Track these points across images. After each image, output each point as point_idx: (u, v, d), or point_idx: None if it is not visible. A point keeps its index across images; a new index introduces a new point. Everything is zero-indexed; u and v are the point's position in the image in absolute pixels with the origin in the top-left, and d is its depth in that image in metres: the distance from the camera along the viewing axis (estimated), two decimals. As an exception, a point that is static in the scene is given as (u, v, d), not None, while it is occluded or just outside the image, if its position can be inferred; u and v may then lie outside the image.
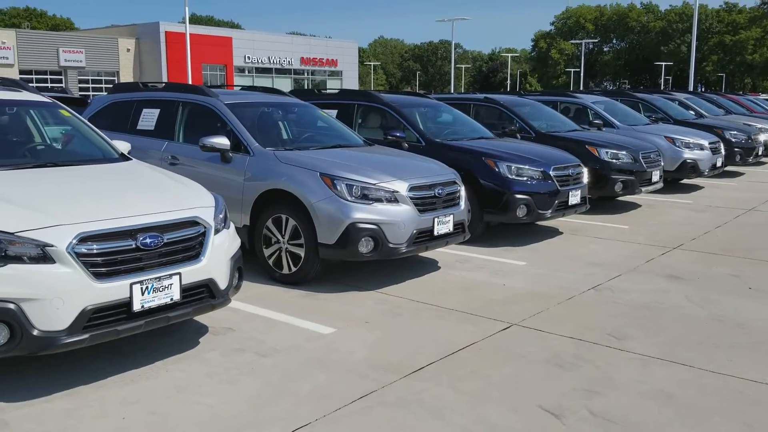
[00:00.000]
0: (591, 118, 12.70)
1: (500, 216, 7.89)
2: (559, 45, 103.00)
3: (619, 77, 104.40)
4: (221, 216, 4.62)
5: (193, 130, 7.08)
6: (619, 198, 11.14)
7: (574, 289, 6.26)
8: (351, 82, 64.95)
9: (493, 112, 11.22)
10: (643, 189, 10.36)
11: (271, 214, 6.25)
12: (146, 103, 7.59)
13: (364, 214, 5.87)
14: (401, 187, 6.08)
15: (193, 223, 4.31)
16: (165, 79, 49.89)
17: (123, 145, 5.69)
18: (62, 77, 50.58)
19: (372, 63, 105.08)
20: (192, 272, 4.21)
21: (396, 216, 5.98)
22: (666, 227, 9.30)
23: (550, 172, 8.06)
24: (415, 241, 6.13)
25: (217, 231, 4.48)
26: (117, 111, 7.84)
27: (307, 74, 63.23)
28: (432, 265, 7.05)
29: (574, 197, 8.29)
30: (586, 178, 8.75)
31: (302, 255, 6.08)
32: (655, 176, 10.54)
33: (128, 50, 53.29)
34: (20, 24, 72.32)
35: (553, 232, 8.86)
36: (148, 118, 7.45)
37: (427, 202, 6.26)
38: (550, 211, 7.99)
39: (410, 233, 6.05)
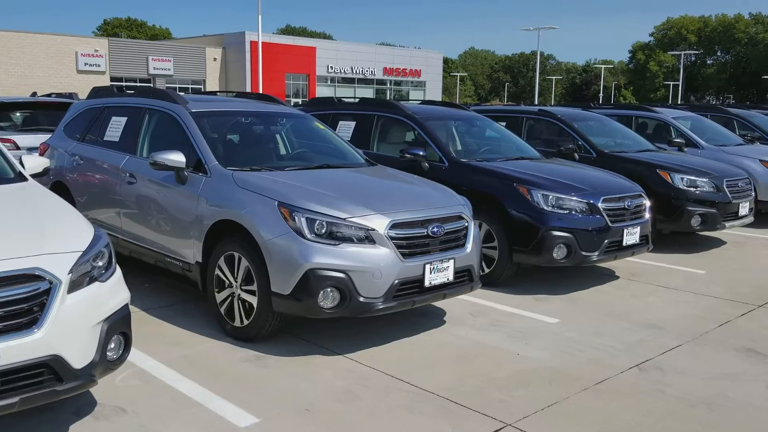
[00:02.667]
0: (672, 137, 10.85)
1: (533, 257, 6.34)
2: (659, 57, 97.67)
3: (723, 92, 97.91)
4: (90, 265, 3.40)
5: (156, 143, 5.96)
6: (700, 233, 9.27)
7: (610, 365, 4.68)
8: (435, 93, 63.63)
9: (550, 128, 9.65)
10: (728, 224, 8.48)
11: (223, 250, 5.00)
12: (115, 111, 6.54)
13: (327, 257, 4.52)
14: (380, 223, 4.69)
15: (30, 277, 3.10)
16: (248, 89, 50.32)
17: (35, 162, 4.60)
18: (151, 85, 51.85)
19: (459, 74, 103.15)
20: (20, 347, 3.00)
21: (370, 261, 4.60)
22: (753, 274, 7.44)
23: (599, 204, 6.45)
24: (396, 294, 4.73)
25: (75, 285, 3.26)
26: (90, 119, 6.84)
27: (390, 84, 62.33)
28: (435, 318, 5.61)
29: (631, 236, 6.63)
30: (648, 213, 7.04)
31: (255, 305, 4.80)
32: (744, 209, 8.63)
33: (215, 59, 54.06)
34: (119, 33, 75.15)
35: (606, 275, 7.19)
36: (115, 127, 6.39)
37: (415, 243, 4.84)
38: (597, 253, 6.38)
39: (390, 284, 4.66)
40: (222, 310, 5.05)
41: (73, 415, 3.73)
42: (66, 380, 3.19)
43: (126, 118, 6.32)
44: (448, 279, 5.02)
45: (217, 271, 5.04)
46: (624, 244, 6.58)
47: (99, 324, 3.35)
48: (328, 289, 4.52)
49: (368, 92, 59.15)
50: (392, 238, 4.70)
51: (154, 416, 3.76)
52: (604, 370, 4.61)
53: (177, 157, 5.28)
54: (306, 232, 4.56)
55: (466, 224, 5.25)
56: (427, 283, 4.87)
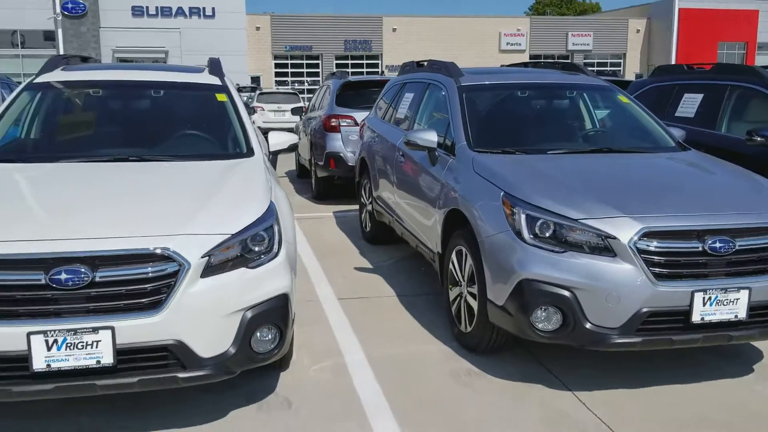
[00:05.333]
0: None
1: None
2: None
3: None
4: (240, 249, 3.18)
5: (427, 119, 5.57)
6: None
7: None
8: None
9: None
10: None
11: (455, 243, 4.38)
12: (407, 86, 6.31)
13: (547, 267, 3.54)
14: (625, 230, 3.48)
15: (160, 257, 3.01)
16: (673, 61, 46.62)
17: (280, 138, 4.65)
18: (568, 61, 51.71)
19: None
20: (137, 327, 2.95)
21: (605, 278, 3.46)
22: None
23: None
24: (642, 327, 3.49)
25: (212, 270, 3.08)
26: (392, 96, 6.77)
27: None
28: (741, 363, 4.08)
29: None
30: None
31: (475, 310, 4.08)
32: None
33: (638, 31, 51.24)
34: (544, 12, 76.54)
35: None
36: (400, 104, 6.18)
37: (680, 261, 3.49)
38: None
39: (632, 312, 3.45)
40: (453, 310, 4.45)
41: (243, 398, 3.61)
42: (190, 368, 3.05)
43: (413, 94, 6.06)
44: (736, 316, 3.53)
45: (450, 266, 4.45)
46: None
47: (238, 312, 3.13)
48: (547, 308, 3.56)
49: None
50: (641, 252, 3.46)
51: (312, 419, 3.42)
52: None
53: (429, 136, 4.81)
54: (525, 232, 3.65)
55: (781, 240, 3.62)
56: (696, 319, 3.49)
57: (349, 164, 8.60)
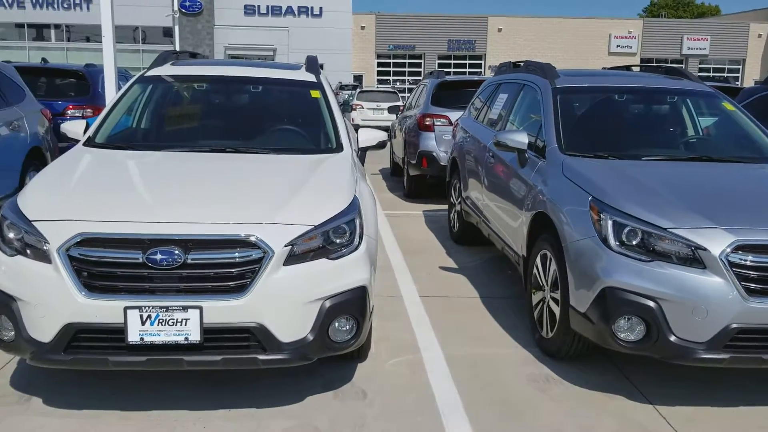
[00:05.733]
0: None
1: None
2: None
3: None
4: (321, 240, 3.29)
5: (519, 120, 5.52)
6: None
7: None
8: None
9: None
10: None
11: (540, 247, 4.33)
12: (504, 87, 6.26)
13: (633, 276, 3.44)
14: (717, 241, 3.33)
15: (247, 243, 3.16)
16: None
17: (370, 135, 4.75)
18: (683, 66, 49.52)
19: None
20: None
21: (692, 291, 3.33)
22: None
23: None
24: (731, 343, 3.33)
25: (295, 259, 3.20)
26: (488, 96, 6.74)
27: None
28: (839, 393, 3.82)
29: None
30: None
31: (557, 316, 4.03)
32: None
33: (759, 36, 48.34)
34: (659, 14, 73.44)
35: None
36: (498, 104, 6.15)
37: (777, 277, 3.31)
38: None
39: (720, 327, 3.30)
40: (535, 314, 4.40)
41: (320, 386, 3.72)
42: (269, 350, 3.18)
43: (507, 94, 6.02)
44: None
45: (535, 270, 4.40)
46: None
47: (317, 301, 3.23)
48: (630, 318, 3.47)
49: None
50: (734, 265, 3.30)
51: (385, 412, 3.49)
52: None
53: (519, 138, 4.78)
54: (611, 238, 3.57)
55: None
56: (791, 338, 3.31)
57: (441, 163, 8.62)
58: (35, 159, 7.06)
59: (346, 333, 3.37)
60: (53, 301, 3.09)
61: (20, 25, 40.24)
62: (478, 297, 5.31)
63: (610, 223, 3.59)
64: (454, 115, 8.46)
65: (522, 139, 4.76)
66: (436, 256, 6.50)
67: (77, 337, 3.12)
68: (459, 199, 6.77)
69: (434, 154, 8.88)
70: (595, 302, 3.57)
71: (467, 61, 46.19)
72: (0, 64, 7.21)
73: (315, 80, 5.04)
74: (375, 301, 3.66)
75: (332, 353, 3.40)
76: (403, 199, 9.70)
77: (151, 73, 5.09)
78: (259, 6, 40.56)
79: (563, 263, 3.88)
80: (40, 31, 40.77)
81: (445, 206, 7.85)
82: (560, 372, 3.98)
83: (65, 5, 39.76)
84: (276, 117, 4.92)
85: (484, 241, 6.17)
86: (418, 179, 9.42)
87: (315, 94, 4.90)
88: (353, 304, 3.35)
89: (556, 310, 4.02)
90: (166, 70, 5.14)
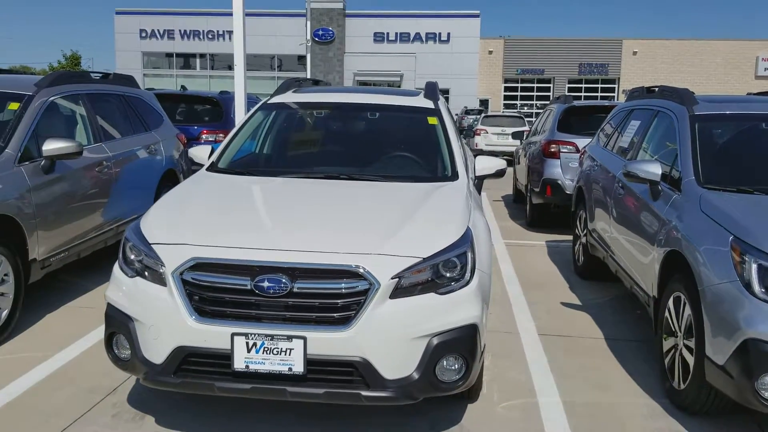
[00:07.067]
0: None
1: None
2: None
3: None
4: (431, 273, 3.14)
5: (653, 149, 5.13)
6: None
7: None
8: None
9: None
10: None
11: (673, 289, 3.95)
12: (636, 113, 5.86)
13: (782, 328, 3.04)
14: None
15: (352, 274, 3.06)
16: None
17: (487, 164, 4.58)
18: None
19: None
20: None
21: None
22: None
23: None
24: None
25: (401, 292, 3.07)
26: (619, 122, 6.35)
27: None
28: None
29: None
30: None
31: (691, 367, 3.63)
32: None
33: None
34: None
35: None
36: (629, 131, 5.76)
37: None
38: None
39: None
40: (666, 362, 4.01)
41: (426, 425, 3.55)
42: (373, 387, 3.06)
43: (639, 121, 5.63)
44: None
45: (666, 313, 4.02)
46: None
47: (424, 338, 3.08)
48: (777, 376, 3.05)
49: None
50: None
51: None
52: None
53: (651, 168, 4.42)
54: (755, 284, 3.17)
55: None
56: None
57: (567, 192, 8.24)
58: (169, 181, 7.42)
59: (455, 373, 3.19)
60: (166, 324, 3.14)
61: (170, 55, 43.53)
62: (603, 338, 4.94)
63: (754, 266, 3.20)
64: (582, 142, 8.09)
65: (655, 170, 4.40)
66: (558, 291, 6.16)
67: (187, 360, 3.14)
68: (584, 231, 6.40)
69: (559, 182, 8.52)
70: (735, 355, 3.18)
71: (599, 85, 44.66)
72: (142, 92, 7.67)
73: (433, 106, 4.94)
74: (489, 337, 3.45)
75: (439, 394, 3.22)
76: (525, 228, 9.37)
77: (273, 100, 5.19)
78: (387, 33, 41.41)
79: (699, 308, 3.49)
80: (186, 60, 43.90)
81: (570, 237, 7.48)
82: (692, 428, 3.58)
83: (209, 36, 42.56)
84: (392, 144, 4.86)
85: (610, 276, 5.78)
86: (541, 208, 9.07)
87: (432, 120, 4.79)
88: (462, 343, 3.16)
89: (690, 359, 3.63)
90: (288, 97, 5.23)
